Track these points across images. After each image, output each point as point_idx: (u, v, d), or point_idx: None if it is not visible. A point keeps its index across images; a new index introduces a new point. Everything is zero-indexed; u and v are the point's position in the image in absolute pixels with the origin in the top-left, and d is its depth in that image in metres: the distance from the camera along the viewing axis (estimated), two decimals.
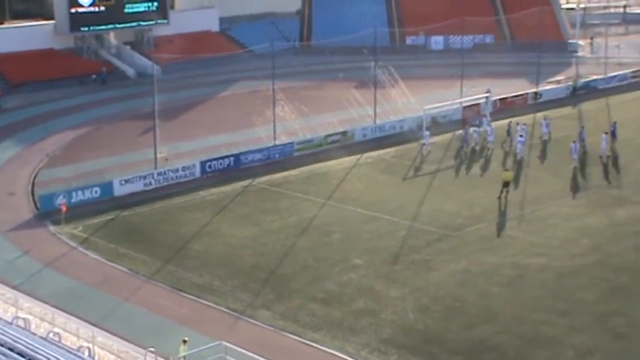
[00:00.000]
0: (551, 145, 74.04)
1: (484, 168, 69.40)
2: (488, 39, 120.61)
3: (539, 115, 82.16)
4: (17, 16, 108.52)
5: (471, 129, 75.61)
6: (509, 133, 75.09)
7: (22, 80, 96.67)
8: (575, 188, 64.07)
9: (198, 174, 67.14)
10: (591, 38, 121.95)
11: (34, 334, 37.99)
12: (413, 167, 69.92)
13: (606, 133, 71.54)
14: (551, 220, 56.98)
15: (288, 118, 76.49)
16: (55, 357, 33.89)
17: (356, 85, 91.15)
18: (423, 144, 74.24)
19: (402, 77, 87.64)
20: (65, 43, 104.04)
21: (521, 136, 72.42)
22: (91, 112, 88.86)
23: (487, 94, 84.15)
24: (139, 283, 48.79)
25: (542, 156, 72.14)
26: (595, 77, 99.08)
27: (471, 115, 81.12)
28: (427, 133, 74.97)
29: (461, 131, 76.09)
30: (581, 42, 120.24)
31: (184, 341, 37.98)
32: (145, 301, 46.43)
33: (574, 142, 68.67)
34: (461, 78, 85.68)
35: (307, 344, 41.66)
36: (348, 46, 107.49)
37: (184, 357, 37.75)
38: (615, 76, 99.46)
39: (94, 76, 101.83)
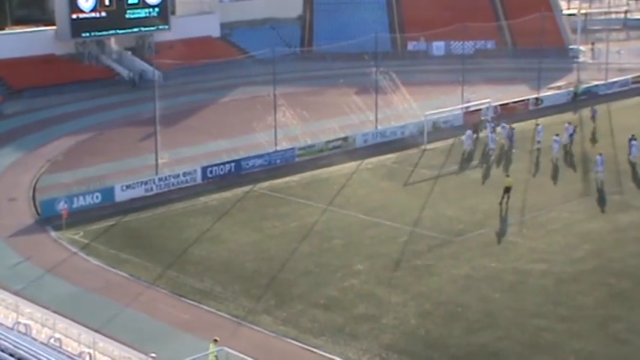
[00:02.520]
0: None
1: (486, 174, 69.36)
2: (490, 45, 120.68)
3: (541, 120, 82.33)
4: (18, 21, 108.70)
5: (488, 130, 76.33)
6: (571, 136, 75.44)
7: (23, 86, 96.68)
8: (582, 194, 64.02)
9: (199, 179, 67.17)
10: (592, 44, 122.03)
11: (35, 339, 37.97)
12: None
13: (635, 139, 71.15)
14: (552, 226, 56.98)
15: (290, 123, 76.51)
16: None
17: (357, 90, 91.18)
18: (462, 141, 75.28)
19: (403, 83, 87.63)
20: (66, 49, 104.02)
21: (557, 134, 73.05)
22: (91, 117, 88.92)
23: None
24: (140, 288, 48.80)
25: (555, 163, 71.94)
26: (596, 83, 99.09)
27: (479, 120, 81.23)
28: (469, 132, 75.63)
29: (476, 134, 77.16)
30: (582, 48, 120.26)
31: (215, 340, 38.16)
32: (146, 306, 46.43)
33: (600, 154, 67.41)
34: (462, 84, 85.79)
35: (309, 350, 41.68)
36: (349, 51, 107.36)
37: (216, 356, 37.92)
38: (616, 82, 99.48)
39: (116, 77, 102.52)
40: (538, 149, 74.12)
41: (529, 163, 71.48)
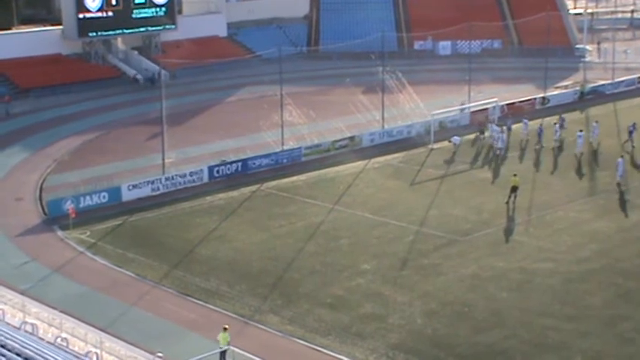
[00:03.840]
0: (560, 151, 73.97)
1: (493, 173, 69.24)
2: (496, 44, 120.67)
3: (547, 119, 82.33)
4: (25, 21, 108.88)
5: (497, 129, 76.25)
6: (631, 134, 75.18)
7: (30, 85, 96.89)
8: (589, 193, 63.84)
9: (206, 179, 67.17)
10: (598, 43, 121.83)
11: (41, 339, 38.07)
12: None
13: None
14: (558, 225, 56.89)
15: (296, 123, 76.54)
16: None
17: (363, 90, 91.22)
18: (454, 144, 74.98)
19: (410, 82, 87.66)
20: (73, 49, 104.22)
21: (580, 130, 73.66)
22: (98, 117, 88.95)
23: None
24: (146, 288, 48.81)
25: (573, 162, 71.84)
26: (602, 82, 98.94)
27: (486, 118, 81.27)
28: (457, 137, 75.54)
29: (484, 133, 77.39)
30: (589, 47, 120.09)
31: (225, 329, 38.71)
32: (152, 306, 46.44)
33: (622, 157, 66.91)
34: (469, 83, 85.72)
35: (315, 349, 41.64)
36: (355, 51, 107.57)
37: (228, 342, 38.52)
38: (623, 81, 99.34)
39: (139, 75, 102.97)
40: (558, 147, 74.53)
41: (536, 162, 71.36)
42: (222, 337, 38.64)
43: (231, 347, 38.14)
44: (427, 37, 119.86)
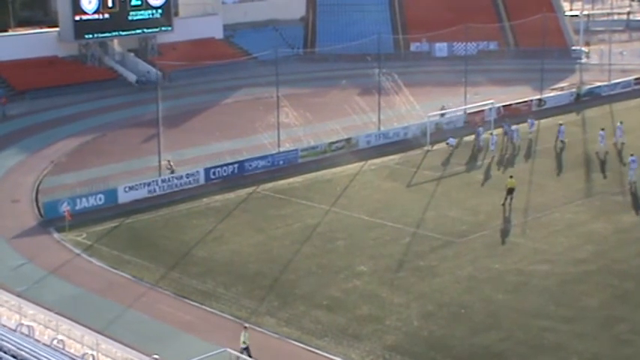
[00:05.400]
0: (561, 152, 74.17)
1: (488, 175, 69.24)
2: (492, 46, 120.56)
3: (544, 121, 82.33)
4: (22, 23, 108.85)
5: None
6: None
7: (26, 87, 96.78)
8: (585, 194, 63.84)
9: (202, 181, 67.14)
10: (587, 44, 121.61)
11: (38, 341, 37.98)
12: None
13: None
14: (555, 227, 56.91)
15: (292, 124, 76.57)
16: None
17: (360, 92, 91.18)
18: (450, 145, 75.53)
19: (406, 84, 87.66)
20: (69, 51, 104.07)
21: (602, 129, 74.18)
22: (95, 119, 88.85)
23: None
24: (143, 290, 48.80)
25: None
26: (599, 84, 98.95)
27: (481, 120, 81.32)
28: (452, 139, 76.10)
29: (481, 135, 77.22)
30: (585, 49, 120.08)
31: (245, 327, 39.51)
32: (149, 308, 46.44)
33: (632, 155, 66.41)
34: (465, 85, 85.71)
35: (311, 351, 41.66)
36: (351, 53, 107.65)
37: (244, 342, 39.22)
38: (619, 83, 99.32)
39: (135, 77, 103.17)
40: (561, 148, 74.87)
41: (531, 164, 71.42)
42: (242, 336, 39.40)
43: (228, 349, 38.07)
44: (423, 39, 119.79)
